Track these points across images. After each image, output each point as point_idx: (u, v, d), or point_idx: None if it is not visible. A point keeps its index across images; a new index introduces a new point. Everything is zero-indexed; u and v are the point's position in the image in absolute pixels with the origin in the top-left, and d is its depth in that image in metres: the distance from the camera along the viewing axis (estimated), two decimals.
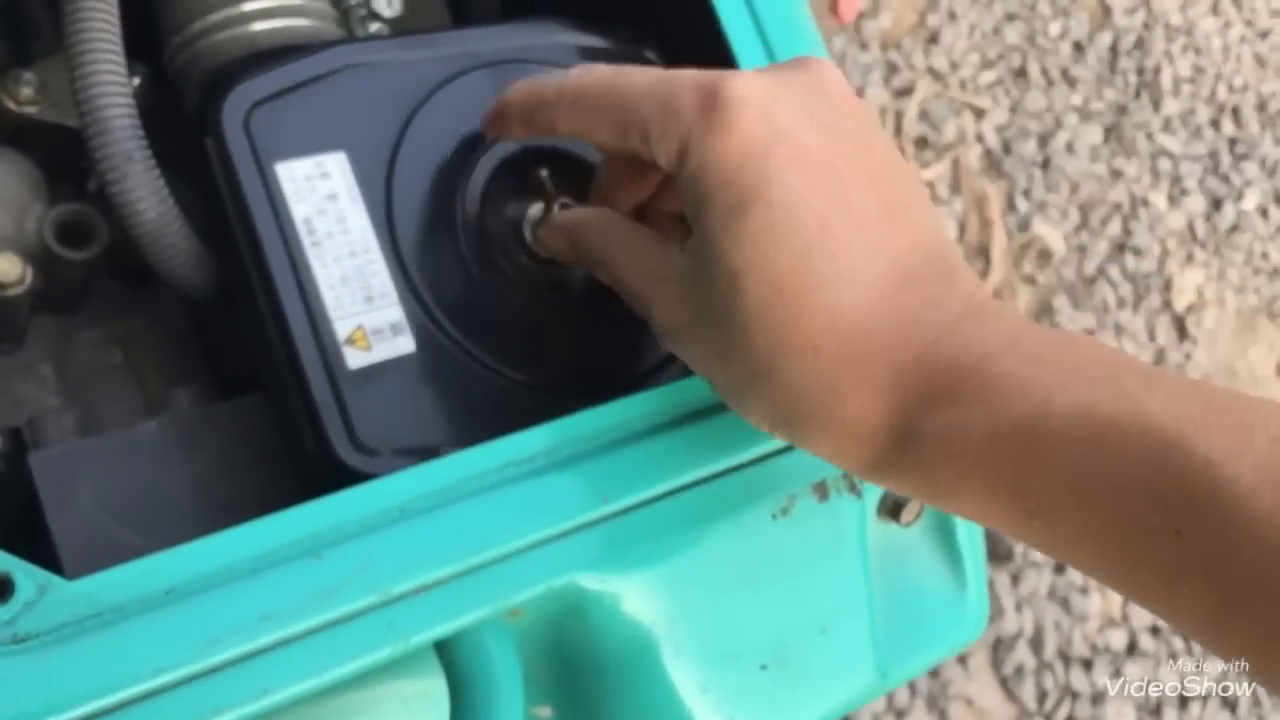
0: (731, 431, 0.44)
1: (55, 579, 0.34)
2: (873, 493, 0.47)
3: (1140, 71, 1.96)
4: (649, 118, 0.39)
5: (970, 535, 0.50)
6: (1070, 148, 1.86)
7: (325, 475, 0.43)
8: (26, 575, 0.33)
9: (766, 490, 0.45)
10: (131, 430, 0.48)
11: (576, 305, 0.49)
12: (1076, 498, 0.33)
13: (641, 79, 0.40)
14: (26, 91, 0.48)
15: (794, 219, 0.37)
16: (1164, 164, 1.91)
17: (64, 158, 0.50)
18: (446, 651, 0.40)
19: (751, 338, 0.37)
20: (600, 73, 0.42)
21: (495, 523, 0.40)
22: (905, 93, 1.77)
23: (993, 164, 1.80)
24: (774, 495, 0.45)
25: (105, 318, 0.54)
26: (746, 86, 0.38)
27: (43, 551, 0.45)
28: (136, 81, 0.51)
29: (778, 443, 0.45)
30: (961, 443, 0.35)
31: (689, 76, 0.39)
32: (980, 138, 1.80)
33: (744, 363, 0.38)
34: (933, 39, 1.81)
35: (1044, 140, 1.84)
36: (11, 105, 0.48)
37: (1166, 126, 1.95)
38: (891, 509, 0.48)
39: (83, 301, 0.53)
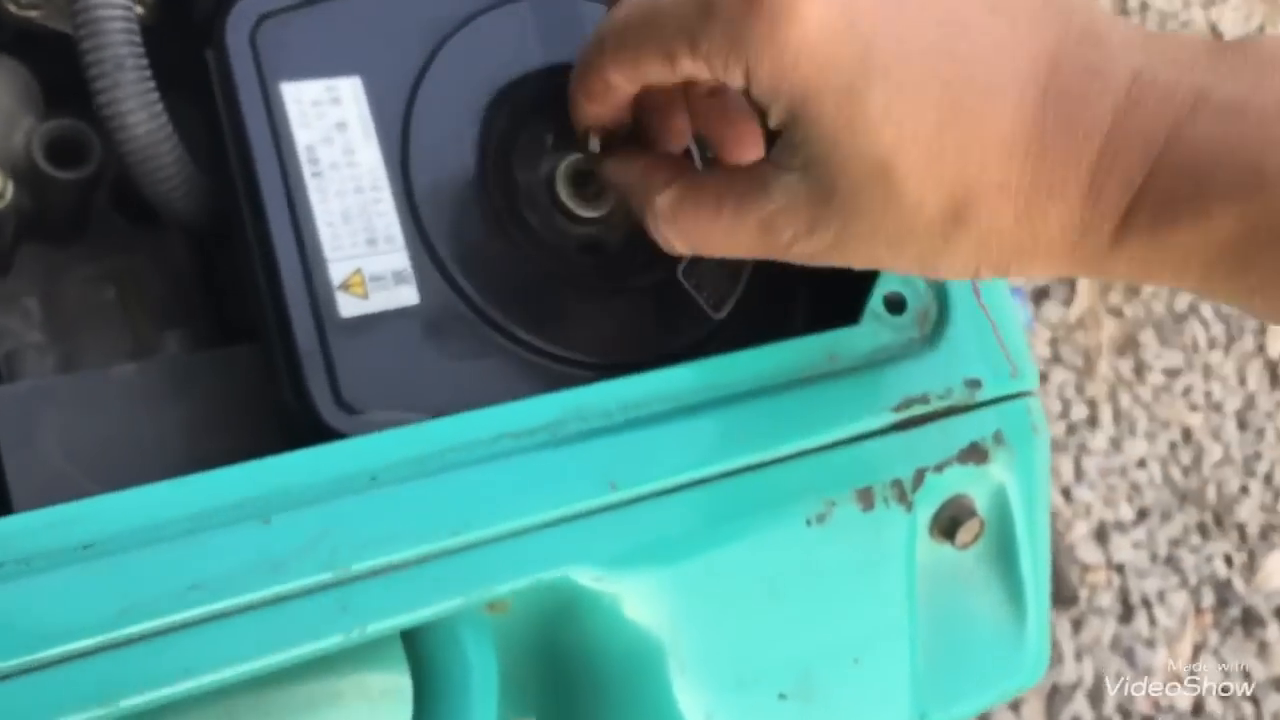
0: (766, 421, 0.39)
1: None
2: (925, 507, 0.42)
3: None
4: (694, 33, 0.33)
5: (1036, 565, 0.44)
6: None
7: (303, 432, 0.38)
8: None
9: (803, 492, 0.39)
10: (108, 371, 0.43)
11: (610, 270, 0.44)
12: None
13: None
14: None
15: (917, 69, 0.32)
16: None
17: (69, 72, 0.46)
18: (414, 644, 0.35)
19: (927, 209, 0.33)
20: (625, 6, 0.36)
21: (481, 501, 0.34)
22: None
23: None
24: (811, 498, 0.39)
25: (102, 252, 0.50)
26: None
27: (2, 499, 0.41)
28: None
29: (820, 438, 0.40)
30: (1172, 230, 0.32)
31: None
32: None
33: (927, 236, 0.34)
34: None
35: None
36: (12, 8, 0.44)
37: None
38: (946, 527, 0.42)
39: (79, 232, 0.49)
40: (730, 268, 0.45)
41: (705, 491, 0.37)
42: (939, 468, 0.41)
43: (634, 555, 0.36)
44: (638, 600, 0.36)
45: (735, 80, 0.34)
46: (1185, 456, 1.65)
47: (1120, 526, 1.57)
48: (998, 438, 0.42)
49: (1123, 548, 1.56)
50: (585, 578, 0.35)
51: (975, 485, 0.42)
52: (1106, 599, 1.52)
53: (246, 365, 0.44)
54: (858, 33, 0.32)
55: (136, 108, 0.39)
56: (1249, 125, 0.31)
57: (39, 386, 0.42)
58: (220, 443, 0.44)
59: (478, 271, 0.41)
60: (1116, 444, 1.61)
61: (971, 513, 0.42)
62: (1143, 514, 1.59)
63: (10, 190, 0.42)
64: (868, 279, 0.43)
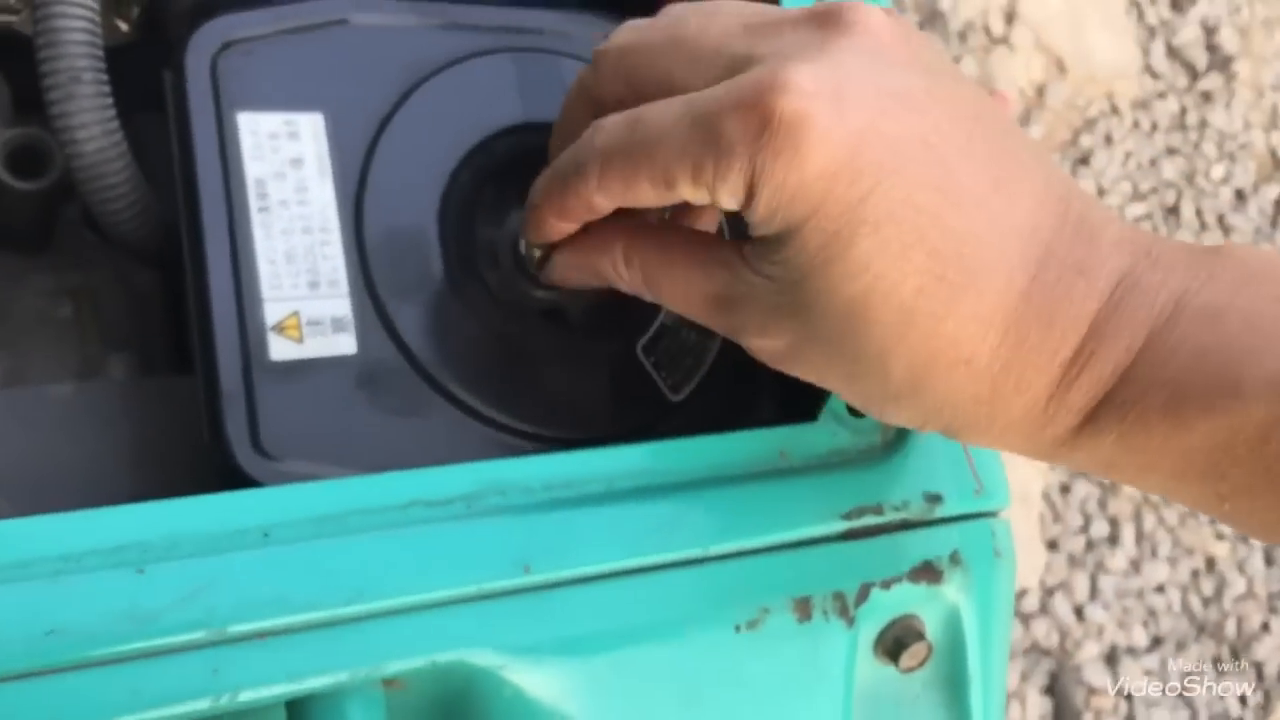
0: (704, 515, 0.36)
1: None
2: (869, 624, 0.39)
3: None
4: (697, 160, 0.31)
5: (987, 699, 0.41)
6: None
7: (218, 475, 0.36)
8: None
9: (734, 595, 0.37)
10: (43, 390, 0.42)
11: (567, 334, 0.42)
12: (1275, 488, 0.30)
13: (667, 117, 0.32)
14: None
15: (906, 231, 0.31)
16: None
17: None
18: (300, 717, 0.33)
19: (889, 363, 0.32)
20: (615, 127, 0.34)
21: (379, 570, 0.32)
22: None
23: None
24: (742, 603, 0.37)
25: (65, 266, 0.49)
26: (799, 92, 0.30)
27: None
28: (136, 11, 0.45)
29: (760, 539, 0.37)
30: (1143, 433, 0.31)
31: (729, 95, 0.31)
32: None
33: (881, 385, 0.33)
34: (1083, 160, 1.71)
35: None
36: None
37: None
38: (891, 648, 0.39)
39: (43, 242, 0.48)
40: (695, 351, 0.43)
41: (629, 584, 0.35)
42: (887, 584, 0.39)
43: (544, 645, 0.34)
44: (544, 693, 0.34)
45: (731, 204, 0.32)
46: (1207, 586, 1.60)
47: (1132, 652, 1.52)
48: (954, 558, 0.40)
49: (1133, 674, 1.50)
50: (489, 663, 0.33)
51: (926, 606, 0.40)
52: None
53: (187, 398, 0.42)
54: (857, 182, 0.30)
55: (89, 122, 0.38)
56: (1227, 332, 0.30)
57: None
58: (148, 476, 0.42)
59: (424, 326, 0.39)
60: (1136, 566, 1.56)
61: (919, 635, 0.39)
62: (1157, 641, 1.54)
63: None
64: None
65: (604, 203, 0.35)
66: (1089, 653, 1.50)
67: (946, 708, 0.41)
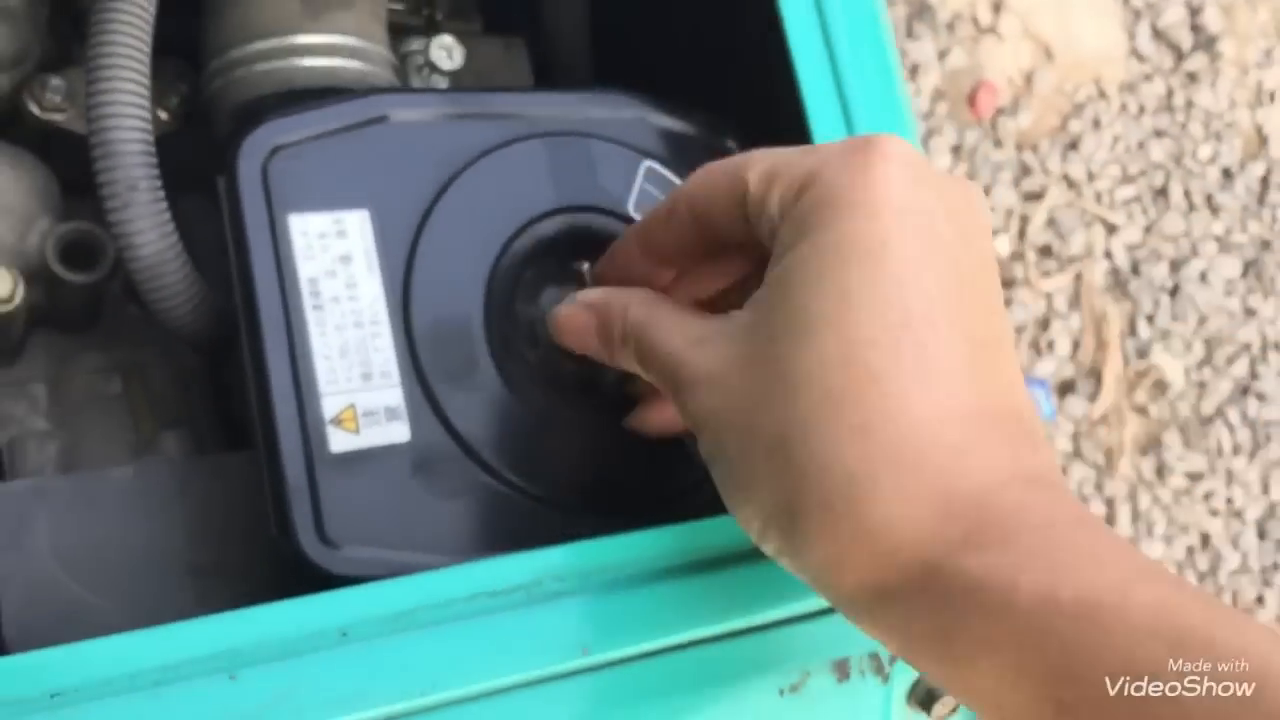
0: (746, 588, 0.39)
1: None
2: (902, 678, 0.41)
3: None
4: (775, 164, 0.35)
5: None
6: (1204, 277, 1.75)
7: (289, 564, 0.38)
8: None
9: (778, 661, 0.39)
10: (105, 474, 0.44)
11: (602, 411, 0.44)
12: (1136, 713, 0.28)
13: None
14: (54, 98, 0.45)
15: (900, 293, 0.32)
16: None
17: (88, 172, 0.47)
18: None
19: (796, 393, 0.32)
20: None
21: (451, 661, 0.34)
22: (1035, 197, 1.69)
23: (1118, 284, 1.71)
24: (786, 668, 0.39)
25: (113, 343, 0.50)
26: (898, 148, 0.34)
27: None
28: (175, 101, 0.47)
29: (797, 607, 0.39)
30: (1004, 597, 0.29)
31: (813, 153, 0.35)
32: (1109, 254, 1.71)
33: (774, 421, 0.32)
34: (1072, 145, 1.73)
35: (1176, 266, 1.74)
36: (36, 110, 0.45)
37: None
38: (923, 699, 0.42)
39: (90, 323, 0.50)
40: None
41: (680, 657, 0.37)
42: None
43: None
44: None
45: (779, 207, 0.35)
46: (1202, 562, 1.63)
47: None
48: None
49: None
50: None
51: None
52: None
53: (241, 473, 0.44)
54: (892, 222, 0.33)
55: (146, 229, 0.40)
56: (1123, 564, 0.30)
57: (35, 487, 0.43)
58: (211, 551, 0.44)
59: (471, 409, 0.41)
60: (1133, 544, 1.59)
61: None
62: None
63: (20, 293, 0.43)
64: None
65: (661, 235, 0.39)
66: None
67: None
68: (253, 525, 0.44)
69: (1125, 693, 0.27)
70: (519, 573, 0.36)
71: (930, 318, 0.32)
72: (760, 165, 0.36)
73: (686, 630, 0.37)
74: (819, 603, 0.39)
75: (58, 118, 0.45)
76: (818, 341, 0.32)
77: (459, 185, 0.43)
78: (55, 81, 0.44)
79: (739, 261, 0.39)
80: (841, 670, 0.40)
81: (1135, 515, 1.61)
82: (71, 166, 0.47)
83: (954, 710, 0.42)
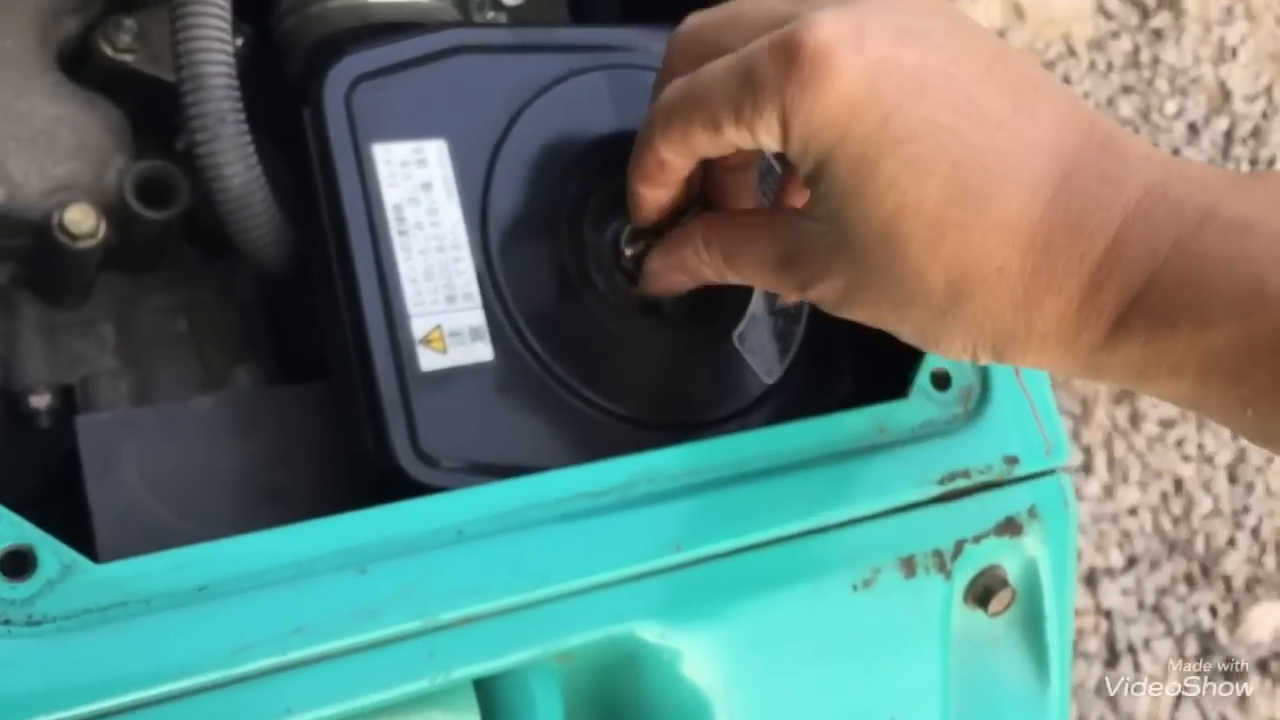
0: (821, 489, 0.41)
1: (81, 560, 0.31)
2: (961, 576, 0.44)
3: (1254, 161, 1.90)
4: (737, 101, 0.36)
5: (1061, 633, 0.46)
6: None
7: (381, 479, 0.40)
8: (51, 552, 0.30)
9: (851, 559, 0.41)
10: (186, 405, 0.45)
11: (670, 329, 0.46)
12: None
13: (717, 69, 0.37)
14: (125, 39, 0.46)
15: (928, 147, 0.34)
16: None
17: (155, 111, 0.48)
18: (485, 689, 0.37)
19: (927, 280, 0.35)
20: (676, 85, 0.38)
21: (557, 558, 0.36)
22: None
23: None
24: (858, 565, 0.41)
25: (175, 283, 0.52)
26: (823, 28, 0.34)
27: (77, 520, 0.42)
28: (239, 41, 0.48)
29: (869, 507, 0.42)
30: (1170, 335, 0.32)
31: (761, 46, 0.35)
32: None
33: (926, 305, 0.35)
34: None
35: None
36: (109, 51, 0.46)
37: None
38: (980, 596, 0.44)
39: (156, 263, 0.51)
40: (783, 336, 0.47)
41: (761, 555, 0.40)
42: (977, 539, 0.43)
43: (694, 614, 0.38)
44: (694, 657, 0.38)
45: (772, 142, 0.36)
46: (1176, 507, 1.68)
47: (1109, 573, 1.60)
48: (1032, 512, 0.45)
49: (1111, 594, 1.58)
50: (649, 634, 0.38)
51: (1009, 556, 0.44)
52: (1093, 644, 1.55)
53: (315, 403, 0.46)
54: (879, 105, 0.34)
55: (234, 159, 0.41)
56: (1255, 244, 0.31)
57: (121, 416, 0.44)
58: (286, 477, 0.45)
59: (547, 330, 0.43)
60: (1109, 491, 1.64)
61: (1004, 583, 0.44)
62: (1132, 561, 1.62)
63: (103, 229, 0.44)
64: (915, 354, 0.45)
65: (671, 156, 0.39)
66: None
67: (1028, 645, 0.46)
68: (324, 452, 0.45)
69: None
70: (616, 475, 0.38)
71: (967, 140, 0.34)
72: (725, 121, 0.36)
73: (768, 529, 0.40)
74: (889, 502, 0.42)
75: (129, 59, 0.46)
76: (910, 232, 0.34)
77: (528, 115, 0.44)
78: (128, 23, 0.46)
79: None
80: (908, 568, 0.42)
81: (1111, 462, 1.66)
82: (137, 106, 0.48)
83: (1007, 606, 0.45)
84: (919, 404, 0.44)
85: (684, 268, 0.42)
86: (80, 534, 0.43)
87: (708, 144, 0.38)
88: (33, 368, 0.49)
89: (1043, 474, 0.45)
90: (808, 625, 0.40)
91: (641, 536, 0.38)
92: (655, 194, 0.41)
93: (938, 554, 0.43)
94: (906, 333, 0.37)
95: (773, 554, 0.40)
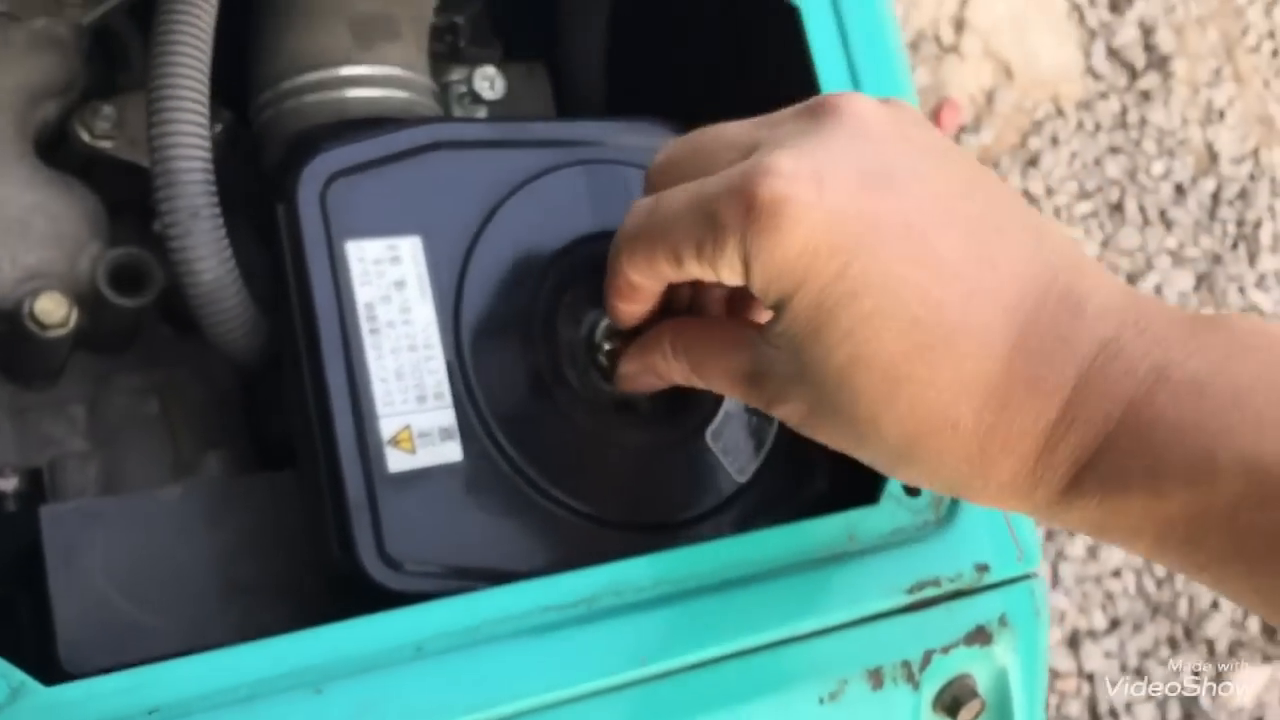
0: (790, 599, 0.41)
1: (30, 682, 0.30)
2: (930, 685, 0.43)
3: (1240, 223, 1.91)
4: (698, 238, 0.36)
5: None
6: (1159, 290, 1.80)
7: (346, 580, 0.40)
8: (1, 676, 0.30)
9: (818, 670, 0.41)
10: (153, 494, 0.45)
11: (644, 427, 0.46)
12: (1247, 561, 0.31)
13: (680, 200, 0.37)
14: (103, 125, 0.46)
15: (885, 301, 0.34)
16: None
17: (132, 194, 0.48)
18: None
19: (882, 428, 0.35)
20: (641, 207, 0.38)
21: (519, 673, 0.36)
22: None
23: None
24: (825, 677, 0.41)
25: (148, 363, 0.51)
26: (783, 176, 0.34)
27: (41, 608, 0.42)
28: (219, 128, 0.48)
29: (838, 617, 0.41)
30: (1124, 500, 0.32)
31: (723, 181, 0.35)
32: None
33: (881, 449, 0.36)
34: (1032, 162, 1.77)
35: (1133, 279, 1.79)
36: (85, 137, 0.46)
37: (1260, 283, 1.89)
38: (949, 706, 0.44)
39: (128, 345, 0.51)
40: (755, 435, 0.47)
41: (729, 667, 0.39)
42: (946, 649, 0.43)
43: None
44: None
45: (735, 279, 0.36)
46: (1159, 569, 1.67)
47: (1093, 635, 1.59)
48: (1002, 620, 0.44)
49: (1094, 656, 1.58)
50: None
51: (978, 665, 0.44)
52: (1075, 707, 1.54)
53: (285, 492, 0.46)
54: (835, 256, 0.34)
55: (207, 254, 0.41)
56: (1207, 409, 0.31)
57: (87, 507, 0.44)
58: (256, 569, 0.45)
59: (519, 429, 0.43)
60: (1093, 552, 1.64)
61: (974, 693, 0.44)
62: (1115, 624, 1.62)
63: (74, 318, 0.44)
64: None
65: (638, 279, 0.39)
66: (1052, 638, 1.57)
67: None
68: (296, 544, 0.45)
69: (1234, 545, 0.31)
70: (581, 587, 0.38)
71: (925, 294, 0.33)
72: (687, 257, 0.36)
73: (735, 640, 0.39)
74: (857, 612, 0.42)
75: (106, 144, 0.46)
76: (865, 383, 0.34)
77: (505, 211, 0.44)
78: (106, 109, 0.45)
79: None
80: (876, 679, 0.42)
81: None
82: (114, 190, 0.48)
83: (976, 715, 0.44)
84: (890, 510, 0.44)
85: (654, 371, 0.42)
86: (44, 622, 0.42)
87: (671, 274, 0.38)
88: (1, 449, 0.48)
89: (1014, 580, 0.45)
90: None
91: (607, 650, 0.37)
92: (631, 309, 0.41)
93: (906, 665, 0.42)
94: (864, 459, 0.37)
95: (740, 666, 0.39)
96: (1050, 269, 0.34)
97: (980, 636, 0.44)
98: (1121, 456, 0.32)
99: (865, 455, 0.37)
